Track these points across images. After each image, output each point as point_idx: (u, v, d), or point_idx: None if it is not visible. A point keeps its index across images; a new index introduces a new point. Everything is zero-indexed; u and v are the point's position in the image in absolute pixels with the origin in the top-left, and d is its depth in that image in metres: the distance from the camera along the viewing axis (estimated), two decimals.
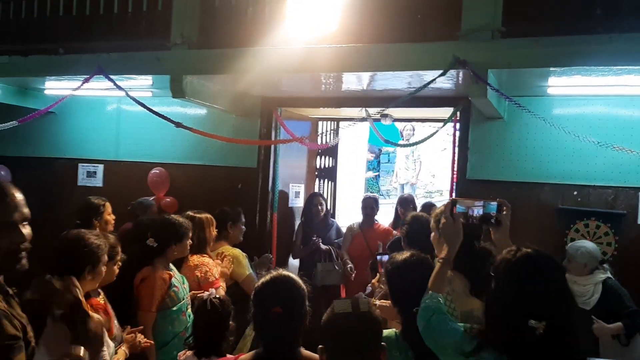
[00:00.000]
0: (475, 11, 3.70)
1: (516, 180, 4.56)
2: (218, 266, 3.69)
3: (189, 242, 3.41)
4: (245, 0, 4.40)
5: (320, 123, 6.41)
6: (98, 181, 6.11)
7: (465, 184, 4.71)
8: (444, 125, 5.01)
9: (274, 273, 1.90)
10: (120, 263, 2.78)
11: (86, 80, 4.61)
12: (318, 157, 6.49)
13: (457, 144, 4.88)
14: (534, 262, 1.71)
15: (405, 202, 5.44)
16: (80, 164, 6.20)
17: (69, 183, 6.16)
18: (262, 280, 1.89)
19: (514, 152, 4.58)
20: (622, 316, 3.70)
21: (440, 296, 1.96)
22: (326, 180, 6.53)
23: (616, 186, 4.31)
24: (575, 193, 4.41)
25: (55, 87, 5.62)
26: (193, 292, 3.44)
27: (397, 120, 6.31)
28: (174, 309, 3.17)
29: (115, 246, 2.71)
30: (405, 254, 2.18)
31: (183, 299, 3.25)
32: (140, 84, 5.17)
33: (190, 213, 3.74)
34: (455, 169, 5.23)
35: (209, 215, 3.83)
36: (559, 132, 4.40)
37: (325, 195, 6.40)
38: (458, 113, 4.73)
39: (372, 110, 5.12)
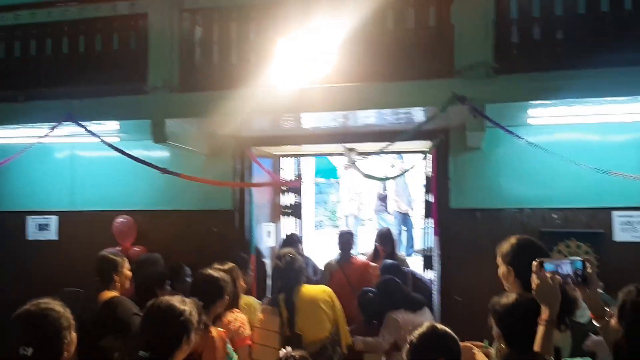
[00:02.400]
0: (467, 49, 3.86)
1: (499, 207, 4.75)
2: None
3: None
4: (227, 43, 4.32)
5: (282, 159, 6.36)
6: (52, 234, 5.66)
7: (449, 213, 4.84)
8: (425, 157, 5.15)
9: (429, 325, 1.87)
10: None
11: (54, 128, 4.30)
12: (282, 195, 6.40)
13: (436, 174, 5.00)
14: None
15: (384, 238, 5.45)
16: (28, 217, 5.71)
17: (17, 238, 5.66)
18: (420, 332, 1.85)
19: (495, 180, 4.77)
20: None
21: (551, 358, 1.97)
22: (292, 217, 6.44)
23: (592, 207, 4.60)
24: (555, 216, 4.66)
25: (4, 135, 5.17)
26: None
27: (362, 154, 6.37)
28: None
29: (201, 311, 2.50)
30: (512, 296, 2.18)
31: (234, 356, 3.07)
32: (106, 129, 4.87)
33: (218, 266, 3.51)
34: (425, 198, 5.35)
35: (234, 266, 3.65)
36: (535, 160, 4.67)
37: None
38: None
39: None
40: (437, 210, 5.00)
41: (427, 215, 6.03)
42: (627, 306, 1.80)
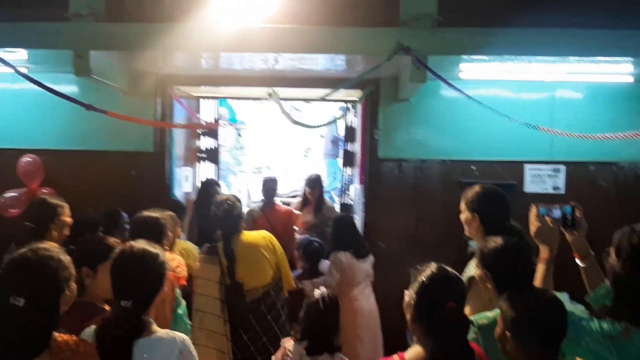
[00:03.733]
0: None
1: (423, 158, 4.93)
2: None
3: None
4: None
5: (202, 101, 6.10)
6: None
7: (377, 162, 4.95)
8: (354, 106, 5.19)
9: (437, 267, 1.91)
10: None
11: None
12: (199, 139, 6.18)
13: (364, 124, 5.07)
14: None
15: (313, 183, 5.49)
16: None
17: None
18: (430, 273, 1.88)
19: (420, 132, 4.93)
20: None
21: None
22: (209, 162, 6.25)
23: (506, 160, 4.92)
24: (473, 167, 4.93)
25: None
26: None
27: (285, 99, 6.27)
28: (180, 312, 2.90)
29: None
30: (498, 239, 2.28)
31: (182, 302, 2.99)
32: (11, 59, 4.35)
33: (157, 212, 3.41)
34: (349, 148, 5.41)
35: (172, 214, 3.55)
36: (458, 114, 4.88)
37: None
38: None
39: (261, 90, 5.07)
40: (364, 159, 5.09)
41: (346, 164, 6.15)
42: (623, 242, 2.01)
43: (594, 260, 2.36)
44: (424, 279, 1.89)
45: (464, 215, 2.73)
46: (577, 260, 2.38)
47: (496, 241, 2.24)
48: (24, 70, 4.47)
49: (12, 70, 3.85)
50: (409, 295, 1.97)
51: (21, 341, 1.70)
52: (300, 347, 2.82)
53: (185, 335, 2.22)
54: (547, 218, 2.32)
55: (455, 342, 1.83)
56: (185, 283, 3.41)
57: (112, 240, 2.68)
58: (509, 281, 2.06)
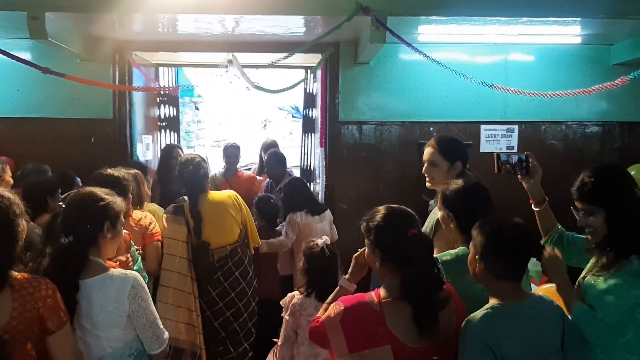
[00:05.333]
0: None
1: (383, 120, 5.04)
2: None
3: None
4: None
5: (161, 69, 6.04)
6: None
7: (337, 126, 5.03)
8: (314, 71, 5.23)
9: (386, 207, 2.02)
10: None
11: None
12: (159, 107, 6.11)
13: (324, 88, 5.12)
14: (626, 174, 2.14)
15: (270, 148, 5.54)
16: None
17: None
18: (382, 215, 1.97)
19: (379, 95, 5.02)
20: None
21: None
22: (169, 131, 6.20)
23: (463, 121, 5.08)
24: (431, 129, 5.06)
25: None
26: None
27: (246, 66, 6.24)
28: (135, 268, 2.92)
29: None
30: (459, 181, 2.39)
31: (138, 258, 3.03)
32: None
33: (122, 170, 3.41)
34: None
35: (139, 172, 3.57)
36: (415, 77, 5.00)
37: None
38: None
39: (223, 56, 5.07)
40: (324, 123, 5.16)
41: (306, 131, 6.22)
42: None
43: (547, 206, 2.52)
44: (378, 221, 1.98)
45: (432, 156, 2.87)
46: (533, 206, 2.54)
47: (457, 183, 2.35)
48: None
49: None
50: (367, 244, 2.05)
51: None
52: (311, 299, 2.94)
53: (137, 273, 2.29)
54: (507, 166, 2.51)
55: (424, 265, 1.91)
56: (160, 239, 3.47)
57: None
58: (470, 220, 2.16)
